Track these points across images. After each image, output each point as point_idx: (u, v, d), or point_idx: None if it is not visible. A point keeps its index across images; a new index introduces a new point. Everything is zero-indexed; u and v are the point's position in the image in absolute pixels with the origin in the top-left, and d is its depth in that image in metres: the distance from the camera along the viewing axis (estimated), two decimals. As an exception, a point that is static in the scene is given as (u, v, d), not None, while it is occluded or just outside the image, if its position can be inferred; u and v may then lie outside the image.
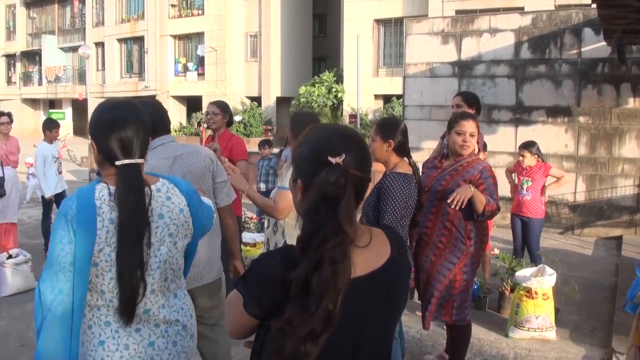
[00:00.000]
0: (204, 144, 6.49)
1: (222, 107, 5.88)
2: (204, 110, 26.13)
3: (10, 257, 7.02)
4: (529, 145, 6.86)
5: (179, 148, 3.73)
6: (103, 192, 2.20)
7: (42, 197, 8.61)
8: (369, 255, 1.66)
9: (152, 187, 2.29)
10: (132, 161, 2.23)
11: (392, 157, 3.92)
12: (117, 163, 2.21)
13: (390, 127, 3.97)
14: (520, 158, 6.85)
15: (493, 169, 4.43)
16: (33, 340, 5.55)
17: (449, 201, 4.04)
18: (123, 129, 2.22)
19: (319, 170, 1.61)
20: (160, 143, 3.65)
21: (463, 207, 4.04)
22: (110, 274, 2.19)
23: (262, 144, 10.14)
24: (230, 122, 5.92)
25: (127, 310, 2.22)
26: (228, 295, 1.77)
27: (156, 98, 32.48)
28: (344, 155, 1.62)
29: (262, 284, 1.60)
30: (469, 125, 4.27)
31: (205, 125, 5.93)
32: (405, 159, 3.95)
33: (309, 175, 1.65)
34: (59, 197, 8.75)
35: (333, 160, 1.61)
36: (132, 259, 2.17)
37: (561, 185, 7.17)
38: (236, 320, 1.71)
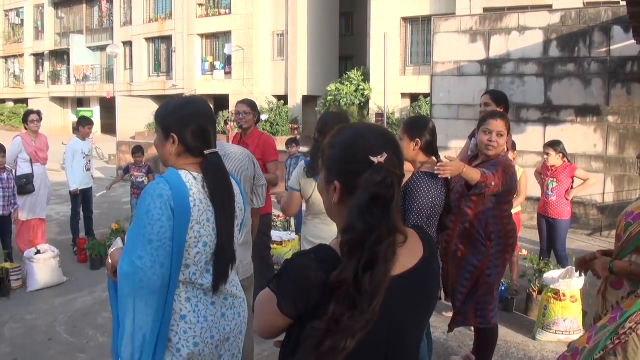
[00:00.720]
0: (231, 142, 6.51)
1: (252, 105, 5.85)
2: (231, 109, 25.98)
3: (38, 252, 7.11)
4: (554, 144, 6.81)
5: (225, 146, 3.91)
6: (189, 177, 2.45)
7: (70, 191, 8.72)
8: (404, 255, 1.65)
9: None
10: (215, 150, 2.54)
11: (420, 156, 3.88)
12: (206, 152, 2.49)
13: (418, 126, 3.93)
14: (545, 156, 6.79)
15: (517, 169, 4.32)
16: (60, 334, 5.64)
17: (435, 169, 3.71)
18: (203, 121, 2.54)
19: (361, 170, 1.60)
20: None
21: (442, 176, 3.71)
22: (196, 249, 2.42)
23: (289, 143, 10.14)
24: (258, 120, 5.93)
25: (222, 277, 2.51)
26: (258, 295, 1.75)
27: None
28: (385, 155, 1.61)
29: (298, 284, 1.59)
30: (496, 124, 4.16)
31: (236, 125, 5.92)
32: (434, 158, 3.92)
33: (348, 177, 1.64)
34: (86, 194, 8.86)
35: (375, 159, 1.60)
36: (229, 231, 2.52)
37: (587, 188, 7.08)
38: (268, 319, 1.70)
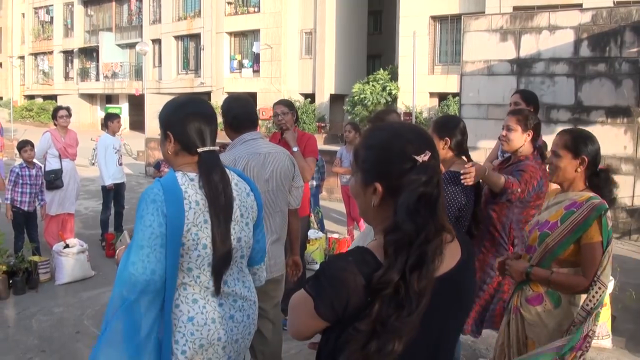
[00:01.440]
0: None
1: (289, 105, 5.74)
2: (259, 107, 26.09)
3: (67, 246, 7.19)
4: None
5: (267, 145, 3.89)
6: (184, 179, 2.44)
7: (103, 187, 8.84)
8: (444, 256, 1.62)
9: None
10: (211, 148, 2.50)
11: (449, 156, 3.85)
12: (199, 150, 2.47)
13: (448, 125, 3.92)
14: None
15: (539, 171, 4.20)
16: (88, 327, 5.70)
17: (461, 175, 3.61)
18: (199, 120, 2.50)
19: (404, 170, 1.58)
20: (251, 138, 3.78)
21: (470, 183, 3.65)
22: (196, 251, 2.41)
23: None
24: (297, 119, 5.82)
25: (217, 278, 2.48)
26: (293, 296, 1.74)
27: (211, 94, 32.94)
28: (429, 153, 1.60)
29: (336, 287, 1.56)
30: (508, 119, 4.13)
31: (276, 126, 5.86)
32: (464, 157, 3.89)
33: (391, 178, 1.61)
34: (119, 188, 8.96)
35: (419, 158, 1.58)
36: (225, 233, 2.45)
37: None
38: (303, 321, 1.68)
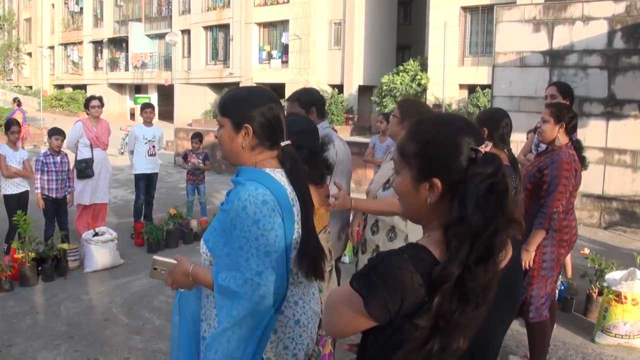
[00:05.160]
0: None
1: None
2: (287, 97, 26.29)
3: (96, 234, 7.23)
4: None
5: (336, 136, 4.08)
6: (278, 176, 2.25)
7: (134, 176, 8.96)
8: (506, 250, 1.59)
9: None
10: (288, 142, 2.33)
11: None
12: (282, 144, 2.30)
13: (493, 117, 4.15)
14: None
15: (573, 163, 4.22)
16: (116, 315, 5.73)
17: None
18: (276, 109, 2.30)
19: (466, 163, 1.53)
20: (322, 128, 3.85)
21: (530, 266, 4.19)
22: (295, 250, 2.25)
23: None
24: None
25: (318, 274, 2.37)
26: (331, 293, 1.69)
27: (240, 85, 33.01)
28: (489, 144, 1.56)
29: (390, 285, 1.48)
30: (543, 111, 4.33)
31: None
32: (506, 150, 4.05)
33: (453, 172, 1.54)
34: (150, 179, 9.03)
35: (482, 149, 1.54)
36: (314, 225, 2.35)
37: None
38: (347, 320, 1.60)
